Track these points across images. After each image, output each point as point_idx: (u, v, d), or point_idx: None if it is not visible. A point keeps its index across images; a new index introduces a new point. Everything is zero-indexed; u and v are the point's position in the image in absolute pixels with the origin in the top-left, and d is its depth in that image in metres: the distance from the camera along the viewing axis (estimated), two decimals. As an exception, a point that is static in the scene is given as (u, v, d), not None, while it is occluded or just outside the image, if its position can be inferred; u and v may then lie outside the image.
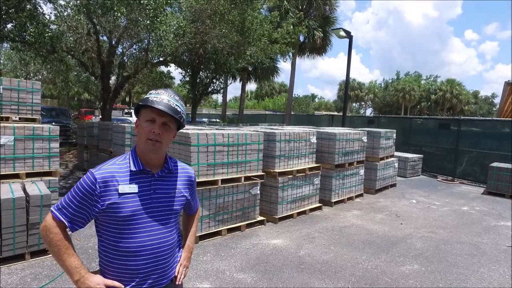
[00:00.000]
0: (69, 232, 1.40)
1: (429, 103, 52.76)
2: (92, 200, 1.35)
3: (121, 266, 1.40)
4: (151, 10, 7.25)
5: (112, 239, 1.40)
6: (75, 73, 16.23)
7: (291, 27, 13.76)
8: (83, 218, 1.38)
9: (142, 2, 7.17)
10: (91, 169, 1.39)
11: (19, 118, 5.80)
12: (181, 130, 5.23)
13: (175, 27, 9.08)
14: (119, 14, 6.80)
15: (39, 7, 9.74)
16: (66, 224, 1.35)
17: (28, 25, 9.06)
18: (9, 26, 10.30)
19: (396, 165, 9.27)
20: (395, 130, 9.29)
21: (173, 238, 1.51)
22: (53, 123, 13.56)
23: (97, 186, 1.34)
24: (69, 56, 11.87)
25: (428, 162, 11.75)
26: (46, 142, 4.87)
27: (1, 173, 4.50)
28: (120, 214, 1.36)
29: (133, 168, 1.41)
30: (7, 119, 5.57)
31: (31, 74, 26.09)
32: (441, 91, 50.88)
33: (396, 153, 10.31)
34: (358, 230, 5.44)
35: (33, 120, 5.80)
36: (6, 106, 5.60)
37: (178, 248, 1.62)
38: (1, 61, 28.11)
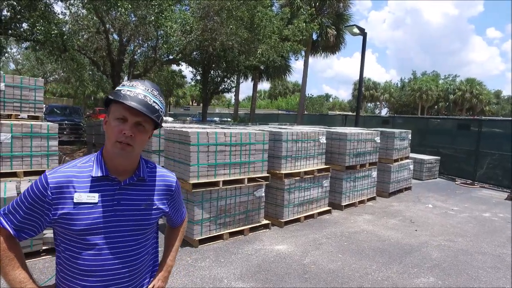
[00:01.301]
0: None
1: (447, 103, 51.22)
2: (43, 208, 1.16)
3: (74, 285, 1.22)
4: (156, 6, 7.10)
5: (67, 253, 1.21)
6: (90, 72, 16.41)
7: (303, 24, 13.42)
8: (34, 226, 1.19)
9: (147, -3, 7.04)
10: (46, 171, 1.20)
11: (28, 116, 5.75)
12: (180, 129, 5.00)
13: (181, 23, 8.93)
14: (123, 10, 6.67)
15: (51, 7, 9.79)
16: (11, 232, 1.17)
17: (38, 24, 9.09)
18: (24, 25, 10.44)
19: (411, 167, 8.83)
20: (410, 131, 8.85)
21: (140, 257, 1.30)
22: (66, 122, 13.73)
23: (49, 192, 1.15)
24: (82, 55, 11.94)
25: (446, 164, 11.22)
26: (44, 140, 4.75)
27: (-1, 172, 4.42)
28: (74, 227, 1.17)
29: (95, 174, 1.20)
30: (9, 116, 5.52)
31: (48, 74, 26.61)
32: (460, 91, 49.29)
33: (412, 155, 9.86)
34: (369, 237, 5.11)
35: (36, 118, 5.73)
36: (9, 103, 5.54)
37: (151, 268, 1.41)
38: (20, 61, 28.86)
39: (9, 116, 5.49)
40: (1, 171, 4.44)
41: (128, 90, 1.18)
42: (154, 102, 1.20)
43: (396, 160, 8.05)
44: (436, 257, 4.41)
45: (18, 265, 1.18)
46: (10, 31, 10.34)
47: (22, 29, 10.34)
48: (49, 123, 4.95)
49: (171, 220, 1.52)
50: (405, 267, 4.06)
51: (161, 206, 1.34)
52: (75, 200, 1.17)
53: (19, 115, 5.62)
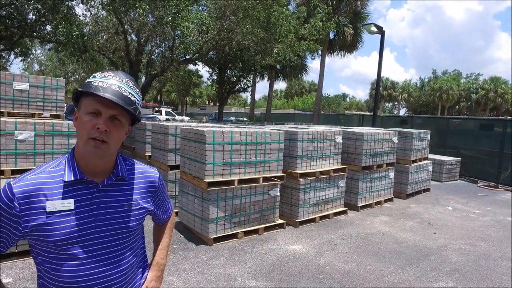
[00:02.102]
0: None
1: (469, 103, 49.66)
2: (10, 221, 1.05)
3: None
4: (173, 6, 7.20)
5: (47, 266, 1.11)
6: (108, 72, 16.80)
7: (320, 23, 13.31)
8: (2, 241, 1.08)
9: (164, -2, 7.15)
10: (11, 180, 1.08)
11: (50, 115, 5.95)
12: (196, 128, 5.05)
13: (198, 23, 9.02)
14: (141, 11, 6.79)
15: (73, 9, 10.11)
16: None
17: (60, 26, 9.40)
18: (48, 28, 10.85)
19: (430, 168, 8.61)
20: (429, 131, 8.63)
21: (127, 262, 1.20)
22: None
23: (16, 204, 1.03)
24: (101, 56, 12.25)
25: (467, 166, 10.88)
26: (65, 138, 4.89)
27: (22, 168, 4.58)
28: (50, 238, 1.05)
29: (68, 178, 1.09)
30: (33, 115, 5.72)
31: (69, 74, 27.44)
32: (484, 90, 47.70)
33: (431, 156, 9.61)
34: (386, 238, 5.02)
35: (57, 117, 5.90)
36: (33, 102, 5.74)
37: (141, 269, 1.32)
38: (43, 62, 29.89)
39: (33, 115, 5.69)
40: (26, 168, 4.60)
41: (100, 81, 1.06)
42: (129, 93, 1.09)
43: (414, 161, 7.87)
44: (456, 261, 4.29)
45: None
46: (35, 33, 10.75)
47: (45, 31, 10.74)
48: (69, 121, 5.09)
49: (157, 217, 1.41)
50: (423, 271, 3.96)
51: (145, 205, 1.25)
52: (48, 210, 1.05)
53: (42, 114, 5.81)
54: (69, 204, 1.08)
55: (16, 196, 1.04)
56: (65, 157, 1.14)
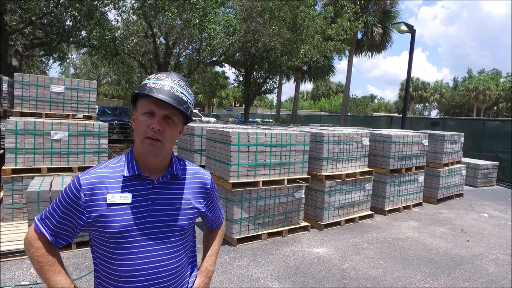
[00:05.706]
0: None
1: (510, 104, 46.83)
2: (76, 211, 1.13)
3: None
4: (200, 9, 7.34)
5: (103, 259, 1.17)
6: (138, 74, 17.38)
7: (347, 23, 13.06)
8: (69, 231, 1.16)
9: (191, 1, 7.29)
10: (79, 173, 1.18)
11: (83, 116, 6.23)
12: (221, 129, 5.10)
13: (224, 26, 9.13)
14: (169, 14, 6.97)
15: (106, 15, 10.58)
16: (48, 237, 1.15)
17: (94, 31, 9.84)
18: (83, 33, 11.42)
19: (464, 172, 8.21)
20: (463, 133, 8.23)
21: (178, 261, 1.23)
22: (116, 121, 14.61)
23: (82, 194, 1.12)
24: (131, 59, 12.69)
25: (506, 171, 10.26)
26: (96, 138, 5.10)
27: (57, 166, 4.83)
28: (109, 229, 1.12)
29: (127, 173, 1.16)
30: (68, 116, 6.01)
31: (101, 77, 28.63)
32: (525, 90, 44.75)
33: (465, 159, 9.16)
34: (414, 244, 4.83)
35: (89, 118, 6.17)
36: (67, 104, 6.04)
37: (189, 272, 1.34)
38: (78, 66, 31.41)
39: (67, 116, 5.99)
40: (60, 166, 4.84)
41: (153, 83, 1.12)
42: (181, 93, 1.13)
43: (446, 165, 7.54)
44: (492, 272, 4.05)
45: (59, 269, 1.16)
46: (71, 39, 11.34)
47: (81, 36, 11.30)
48: (100, 122, 5.30)
49: (209, 221, 1.44)
50: (455, 280, 3.77)
51: (197, 205, 1.28)
52: (108, 201, 1.13)
53: (76, 115, 6.10)
54: (127, 198, 1.15)
55: (83, 187, 1.13)
56: (126, 154, 1.22)
